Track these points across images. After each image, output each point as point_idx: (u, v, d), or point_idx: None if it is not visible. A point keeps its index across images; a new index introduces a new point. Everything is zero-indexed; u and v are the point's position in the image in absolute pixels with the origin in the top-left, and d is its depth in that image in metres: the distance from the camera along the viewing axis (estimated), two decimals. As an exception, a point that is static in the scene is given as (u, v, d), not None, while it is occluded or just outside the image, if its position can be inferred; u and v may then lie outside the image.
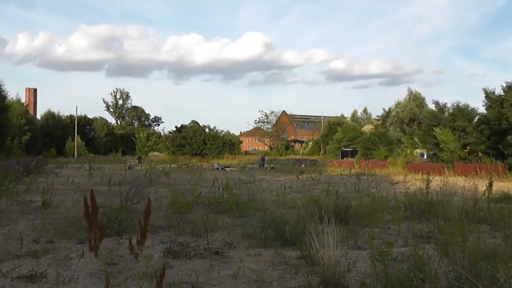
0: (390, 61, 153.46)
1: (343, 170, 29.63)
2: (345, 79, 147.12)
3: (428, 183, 11.14)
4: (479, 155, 28.49)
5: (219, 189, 12.78)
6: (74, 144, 57.47)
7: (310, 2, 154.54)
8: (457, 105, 31.91)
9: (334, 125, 63.55)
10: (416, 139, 38.62)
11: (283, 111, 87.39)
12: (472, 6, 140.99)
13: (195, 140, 56.83)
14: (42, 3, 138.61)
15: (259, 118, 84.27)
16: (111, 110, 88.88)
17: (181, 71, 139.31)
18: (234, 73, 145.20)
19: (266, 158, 46.70)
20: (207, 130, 60.41)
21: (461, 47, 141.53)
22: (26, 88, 62.64)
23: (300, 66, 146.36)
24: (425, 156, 36.05)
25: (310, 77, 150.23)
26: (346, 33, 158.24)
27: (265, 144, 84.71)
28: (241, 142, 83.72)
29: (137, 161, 42.48)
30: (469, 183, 13.98)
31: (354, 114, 74.69)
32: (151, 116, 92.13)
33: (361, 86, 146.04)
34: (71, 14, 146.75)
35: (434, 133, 30.56)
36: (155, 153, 64.85)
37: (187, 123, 64.28)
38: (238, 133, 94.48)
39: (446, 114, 32.96)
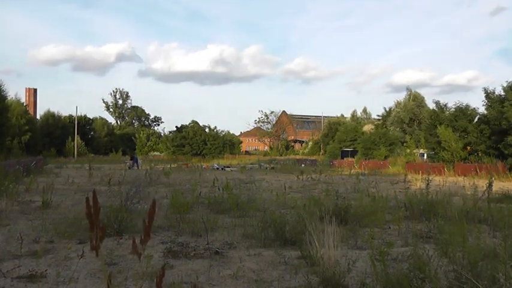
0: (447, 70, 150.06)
1: (343, 170, 29.65)
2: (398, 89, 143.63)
3: (428, 183, 11.12)
4: (480, 154, 28.52)
5: (219, 189, 12.77)
6: (74, 144, 57.49)
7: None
8: (459, 106, 31.98)
9: (334, 125, 63.61)
10: (421, 138, 38.61)
11: (283, 111, 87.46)
12: None
13: (195, 140, 56.82)
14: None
15: (259, 118, 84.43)
16: (111, 110, 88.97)
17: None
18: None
19: (266, 158, 46.38)
20: (207, 130, 60.40)
21: None
22: (26, 88, 62.73)
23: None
24: (425, 156, 36.08)
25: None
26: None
27: (265, 144, 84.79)
28: (241, 142, 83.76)
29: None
30: (469, 183, 13.99)
31: (353, 114, 74.77)
32: (151, 116, 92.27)
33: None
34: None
35: (437, 132, 30.59)
36: (155, 153, 64.91)
37: (187, 123, 64.38)
38: (238, 133, 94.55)
39: (446, 114, 32.99)
